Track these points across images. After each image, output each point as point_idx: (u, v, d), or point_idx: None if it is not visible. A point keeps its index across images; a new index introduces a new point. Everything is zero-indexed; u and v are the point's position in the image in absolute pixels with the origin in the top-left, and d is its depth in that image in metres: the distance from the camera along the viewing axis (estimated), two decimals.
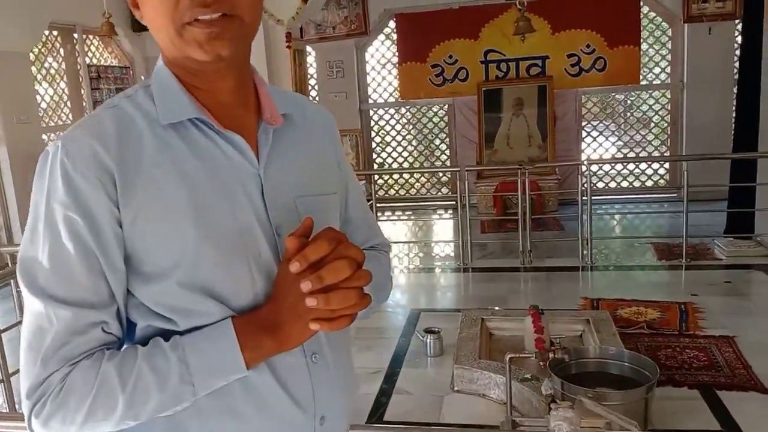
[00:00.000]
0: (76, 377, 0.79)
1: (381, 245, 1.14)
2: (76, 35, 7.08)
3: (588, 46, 7.35)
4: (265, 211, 0.88)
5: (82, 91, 7.16)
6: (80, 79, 7.14)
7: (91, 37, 7.40)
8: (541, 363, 2.74)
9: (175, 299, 0.83)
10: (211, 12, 0.80)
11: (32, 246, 0.82)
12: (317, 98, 7.59)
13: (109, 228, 0.81)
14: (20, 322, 2.50)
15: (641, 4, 7.20)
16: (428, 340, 3.68)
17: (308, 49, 7.22)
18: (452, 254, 6.00)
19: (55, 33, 6.87)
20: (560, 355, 2.62)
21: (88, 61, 7.23)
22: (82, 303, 0.80)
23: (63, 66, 7.02)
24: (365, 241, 1.10)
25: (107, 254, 0.81)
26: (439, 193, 8.22)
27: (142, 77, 8.04)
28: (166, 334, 0.84)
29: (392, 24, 7.76)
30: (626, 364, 2.84)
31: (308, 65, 7.11)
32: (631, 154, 7.70)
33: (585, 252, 5.23)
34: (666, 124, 7.65)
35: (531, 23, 6.30)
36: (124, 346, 0.86)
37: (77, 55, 7.13)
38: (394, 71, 7.91)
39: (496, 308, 4.11)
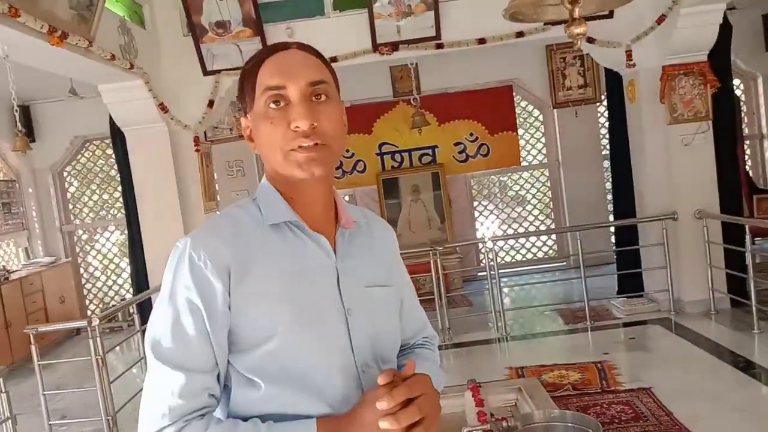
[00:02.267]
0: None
1: (431, 338, 1.37)
2: None
3: (471, 134, 7.96)
4: (340, 296, 1.10)
5: None
6: None
7: None
8: None
9: (262, 365, 1.04)
10: (309, 141, 1.07)
11: (159, 319, 1.04)
12: (219, 197, 7.59)
13: (221, 310, 1.03)
14: None
15: (514, 94, 7.96)
16: None
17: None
18: None
19: None
20: (513, 422, 2.75)
21: None
22: (195, 369, 1.01)
23: None
24: (418, 332, 1.33)
25: (216, 331, 1.03)
26: None
27: (30, 190, 7.71)
28: (253, 400, 1.04)
29: None
30: (570, 424, 3.00)
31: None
32: (521, 229, 8.27)
33: (499, 324, 5.50)
34: (548, 200, 8.33)
35: (425, 117, 6.77)
36: (227, 418, 1.06)
37: None
38: None
39: None
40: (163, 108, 5.15)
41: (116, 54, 4.44)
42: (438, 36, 5.30)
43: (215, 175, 7.47)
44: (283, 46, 1.14)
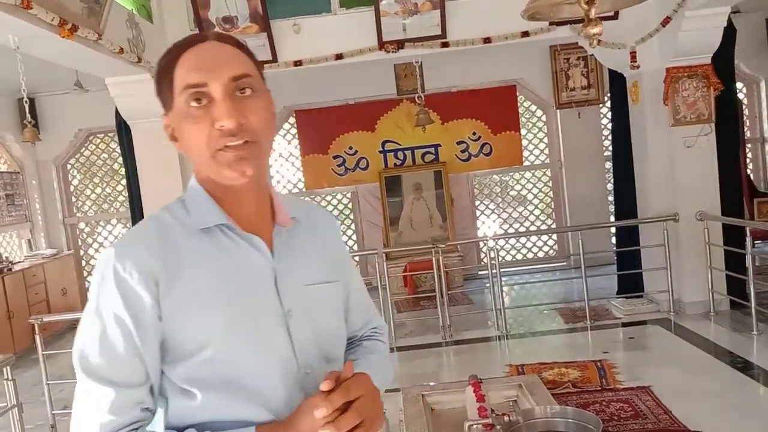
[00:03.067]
0: None
1: (379, 327, 1.34)
2: None
3: (474, 133, 8.00)
4: (278, 298, 1.07)
5: None
6: None
7: None
8: (498, 427, 2.88)
9: (198, 374, 1.02)
10: (237, 140, 1.02)
11: (86, 332, 1.00)
12: None
13: (149, 321, 1.00)
14: None
15: (518, 94, 7.99)
16: None
17: None
18: None
19: None
20: (515, 417, 2.79)
21: None
22: (124, 383, 0.99)
23: None
24: (367, 322, 1.30)
25: (146, 343, 1.00)
26: None
27: (34, 182, 7.73)
28: (190, 410, 1.02)
29: (292, 120, 8.06)
30: (571, 420, 3.03)
31: None
32: (522, 229, 8.31)
33: (500, 322, 5.54)
34: (549, 200, 8.36)
35: (429, 116, 6.80)
36: (166, 428, 1.04)
37: None
38: (297, 163, 8.15)
39: (432, 383, 4.24)
40: None
41: (124, 47, 4.47)
42: (444, 35, 5.33)
43: None
44: (200, 38, 1.07)
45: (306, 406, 1.00)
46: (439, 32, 5.33)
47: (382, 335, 1.32)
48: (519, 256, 8.39)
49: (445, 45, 5.41)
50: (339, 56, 5.38)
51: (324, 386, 0.97)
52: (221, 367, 1.01)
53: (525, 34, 5.29)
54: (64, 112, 7.55)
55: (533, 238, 8.34)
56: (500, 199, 8.48)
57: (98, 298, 1.00)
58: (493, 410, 3.40)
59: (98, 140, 8.07)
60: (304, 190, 8.13)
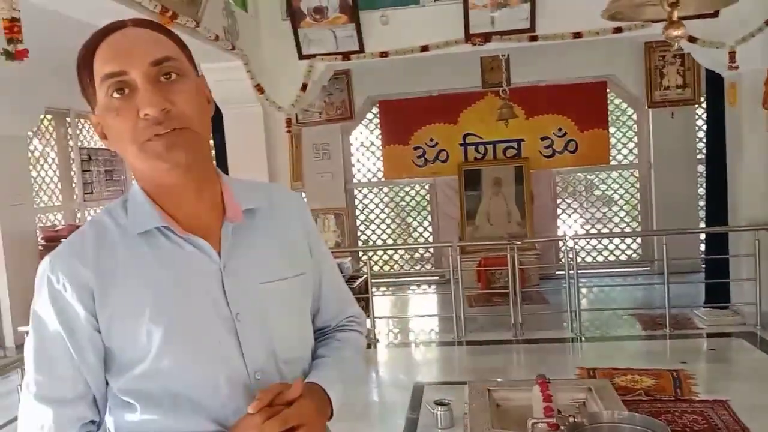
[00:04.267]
0: None
1: (356, 315, 1.27)
2: (68, 119, 7.27)
3: (560, 129, 7.83)
4: (226, 301, 1.01)
5: (73, 173, 7.28)
6: (71, 162, 7.27)
7: (82, 121, 7.58)
8: (562, 427, 2.86)
9: (137, 387, 0.99)
10: (164, 128, 0.95)
11: (27, 348, 1.00)
12: (304, 178, 7.83)
13: (85, 333, 0.97)
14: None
15: (608, 91, 7.75)
16: (438, 413, 3.78)
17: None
18: (442, 328, 6.12)
19: (49, 117, 7.04)
20: (580, 419, 2.76)
21: (79, 143, 7.39)
22: (62, 400, 0.98)
23: (55, 149, 7.16)
24: (339, 313, 1.24)
25: (82, 355, 0.98)
26: (422, 269, 8.42)
27: None
28: (131, 424, 1.00)
29: (375, 110, 8.17)
30: (638, 427, 2.97)
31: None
32: (605, 230, 8.08)
33: (574, 324, 5.44)
34: (636, 201, 8.09)
35: (513, 110, 6.72)
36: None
37: (69, 138, 7.29)
38: (378, 153, 8.25)
39: (499, 380, 4.23)
40: (259, 89, 5.37)
41: (220, 35, 4.67)
42: (533, 28, 5.25)
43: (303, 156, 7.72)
44: (117, 26, 1.00)
45: (242, 425, 0.96)
46: (528, 26, 5.25)
47: (358, 324, 1.26)
48: (600, 258, 8.18)
49: (533, 39, 5.32)
50: (425, 48, 5.40)
51: (250, 408, 0.94)
52: (161, 379, 0.97)
53: (617, 30, 5.12)
54: None
55: (616, 241, 8.10)
56: (584, 199, 8.28)
57: (34, 312, 0.99)
58: (559, 411, 3.38)
59: None
60: (383, 179, 8.23)
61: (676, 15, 2.17)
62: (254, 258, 1.05)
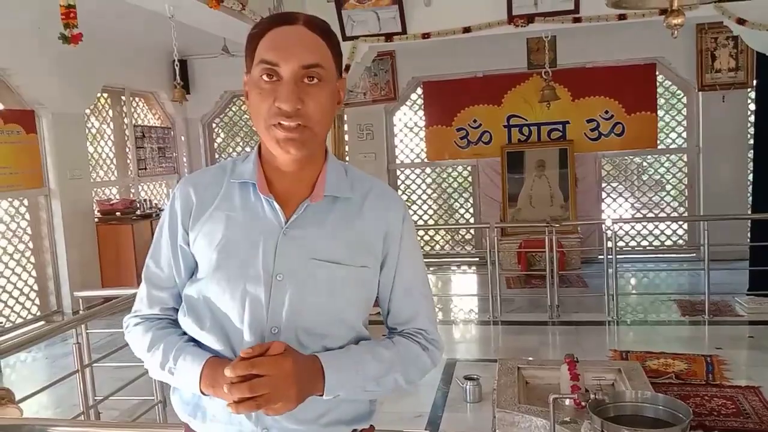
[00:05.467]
0: (137, 329, 1.24)
1: (426, 332, 1.26)
2: (123, 98, 7.57)
3: (606, 112, 7.73)
4: (273, 260, 1.15)
5: (128, 149, 7.60)
6: (126, 138, 7.58)
7: (137, 99, 7.89)
8: (583, 403, 2.93)
9: (192, 295, 1.20)
10: (291, 122, 1.12)
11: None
12: (347, 158, 7.95)
13: (180, 242, 1.22)
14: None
15: (657, 73, 7.60)
16: (468, 387, 3.88)
17: None
18: (479, 308, 6.21)
19: (105, 95, 7.36)
20: (601, 396, 2.82)
21: (133, 121, 7.69)
22: (155, 285, 1.25)
23: (111, 126, 7.48)
24: (408, 321, 1.26)
25: (176, 257, 1.22)
26: (463, 250, 8.49)
27: (182, 137, 8.49)
28: (181, 322, 1.23)
29: (419, 91, 8.21)
30: (661, 407, 3.01)
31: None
32: (650, 215, 7.97)
33: (611, 307, 5.44)
34: (683, 186, 7.94)
35: (556, 92, 6.67)
36: (173, 328, 1.25)
37: (124, 116, 7.60)
38: (421, 133, 8.31)
39: (530, 358, 4.30)
40: None
41: (265, 17, 4.81)
42: (576, 10, 5.20)
43: (346, 137, 7.86)
44: (291, 20, 1.15)
45: (223, 365, 1.09)
46: (572, 7, 5.21)
47: (425, 340, 1.26)
48: (644, 243, 8.07)
49: (577, 20, 5.28)
50: (467, 29, 5.41)
51: (243, 352, 1.07)
52: (206, 299, 1.17)
53: (663, 12, 5.03)
54: (212, 75, 8.19)
55: (662, 226, 7.98)
56: (629, 183, 8.16)
57: (163, 213, 1.25)
58: (586, 390, 3.44)
59: (240, 102, 8.68)
60: (426, 160, 8.30)
61: (676, 3, 2.17)
62: (316, 235, 1.16)
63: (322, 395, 1.11)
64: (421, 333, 1.26)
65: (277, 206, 1.16)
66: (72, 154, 6.42)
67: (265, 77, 1.12)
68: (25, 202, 6.18)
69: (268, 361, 1.05)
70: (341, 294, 1.17)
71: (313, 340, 1.15)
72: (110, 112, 7.47)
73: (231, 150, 8.85)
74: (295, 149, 1.13)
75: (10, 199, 6.03)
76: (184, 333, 1.22)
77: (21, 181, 5.97)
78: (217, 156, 8.83)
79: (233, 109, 8.76)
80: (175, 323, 1.25)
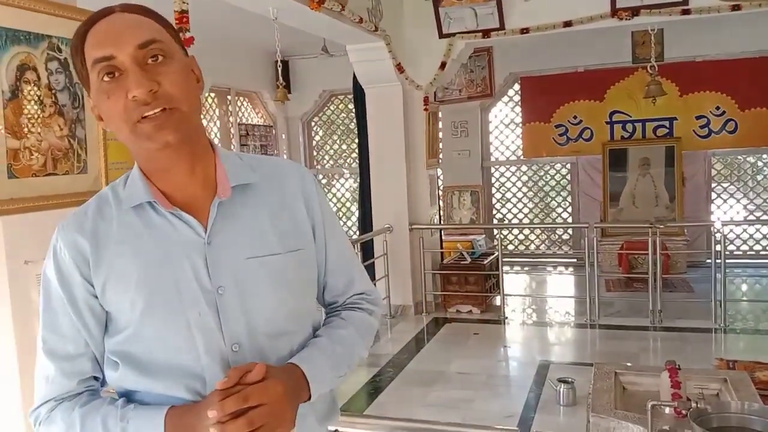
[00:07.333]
0: (55, 416, 1.07)
1: (368, 292, 1.26)
2: (229, 97, 7.94)
3: (718, 108, 7.31)
4: (208, 275, 1.05)
5: (233, 146, 7.95)
6: (231, 136, 7.95)
7: (241, 98, 8.24)
8: (683, 412, 2.81)
9: (123, 348, 1.07)
10: (152, 109, 1.00)
11: (40, 305, 1.11)
12: (441, 156, 7.95)
13: (82, 298, 1.07)
14: None
15: None
16: (561, 390, 3.81)
17: None
18: (575, 311, 6.04)
19: (212, 95, 7.74)
20: (703, 405, 2.69)
21: (238, 120, 8.05)
22: (64, 356, 1.08)
23: (218, 124, 7.86)
24: (346, 289, 1.23)
25: (81, 317, 1.07)
26: (560, 251, 8.28)
27: (283, 135, 8.80)
28: (113, 380, 1.09)
29: (516, 87, 8.08)
30: None
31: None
32: (765, 218, 7.46)
33: (718, 314, 5.15)
34: None
35: (662, 86, 6.38)
36: (100, 398, 1.10)
37: (229, 114, 7.97)
38: (517, 130, 8.18)
39: (629, 364, 4.15)
40: (399, 68, 5.56)
41: (363, 17, 4.90)
42: (685, 1, 4.97)
43: (440, 134, 7.87)
44: (105, 12, 1.05)
45: (208, 399, 0.99)
46: None
47: (368, 302, 1.25)
48: (757, 248, 7.57)
49: (686, 12, 5.04)
50: (568, 24, 5.29)
51: (219, 384, 0.96)
52: (144, 343, 1.04)
53: None
54: (312, 74, 8.44)
55: None
56: (742, 183, 7.68)
57: (44, 274, 1.09)
58: (688, 398, 3.29)
59: (338, 101, 8.89)
60: (522, 157, 8.16)
61: None
62: (241, 233, 1.08)
63: (308, 401, 1.08)
64: (363, 296, 1.24)
65: (188, 217, 1.06)
66: None
67: (105, 78, 1.01)
68: None
69: (259, 390, 0.97)
70: (289, 284, 1.11)
71: (278, 343, 1.10)
72: (217, 111, 7.85)
73: (329, 148, 9.07)
74: (171, 135, 1.01)
75: None
76: (115, 399, 1.08)
77: None
78: (315, 153, 9.08)
79: (331, 107, 8.98)
80: (98, 394, 1.11)
